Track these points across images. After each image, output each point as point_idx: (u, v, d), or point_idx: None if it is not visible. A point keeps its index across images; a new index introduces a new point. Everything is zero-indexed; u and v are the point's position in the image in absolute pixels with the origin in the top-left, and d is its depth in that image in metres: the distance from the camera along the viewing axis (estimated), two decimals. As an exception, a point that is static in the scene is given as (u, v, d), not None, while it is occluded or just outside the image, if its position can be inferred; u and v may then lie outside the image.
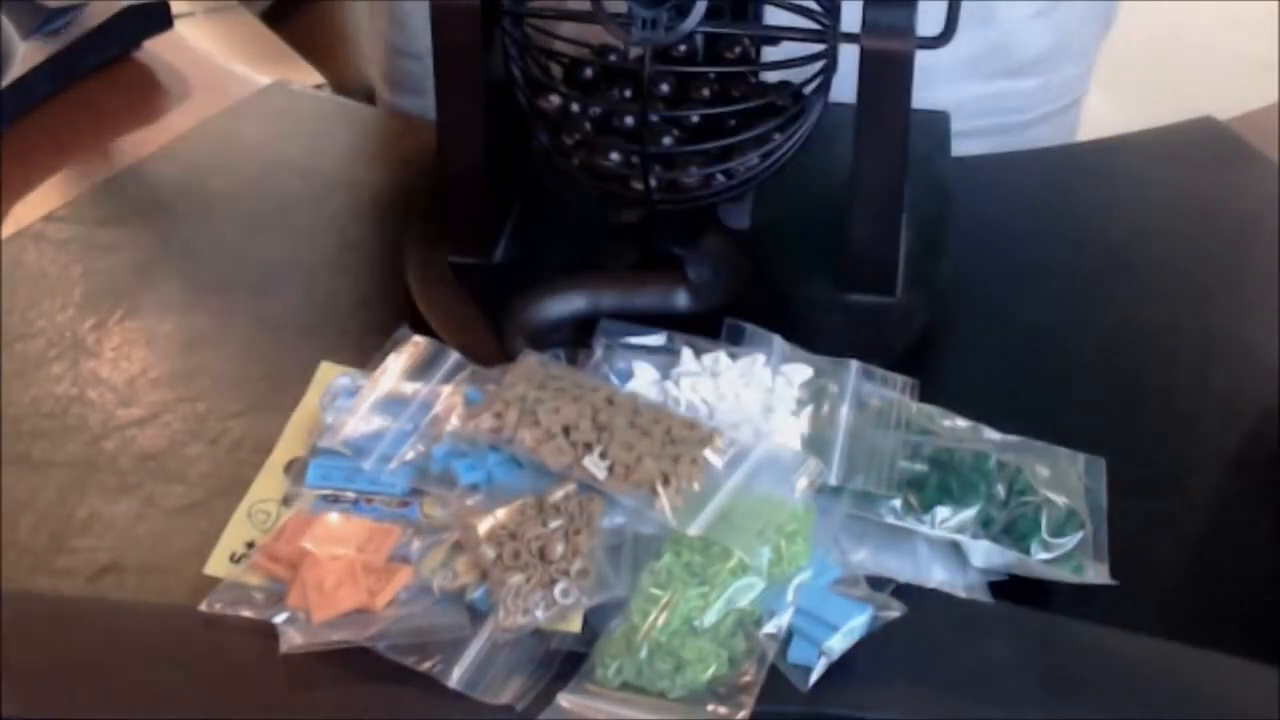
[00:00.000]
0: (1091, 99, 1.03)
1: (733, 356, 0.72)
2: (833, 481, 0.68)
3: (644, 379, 0.71)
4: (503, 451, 0.68)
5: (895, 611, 0.64)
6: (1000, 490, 0.68)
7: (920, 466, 0.69)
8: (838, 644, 0.63)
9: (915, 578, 0.67)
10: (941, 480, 0.69)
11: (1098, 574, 0.68)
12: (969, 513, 0.68)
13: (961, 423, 0.72)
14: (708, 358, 0.72)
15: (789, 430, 0.69)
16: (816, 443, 0.69)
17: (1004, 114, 0.97)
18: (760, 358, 0.72)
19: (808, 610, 0.64)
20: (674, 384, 0.71)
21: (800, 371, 0.72)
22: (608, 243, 0.81)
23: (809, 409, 0.71)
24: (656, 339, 0.73)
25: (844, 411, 0.70)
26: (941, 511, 0.68)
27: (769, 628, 0.64)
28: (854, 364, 0.72)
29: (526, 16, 0.76)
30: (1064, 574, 0.67)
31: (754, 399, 0.70)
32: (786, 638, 0.64)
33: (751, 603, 0.64)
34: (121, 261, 0.85)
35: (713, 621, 0.63)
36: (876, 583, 0.66)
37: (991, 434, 0.71)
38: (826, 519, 0.67)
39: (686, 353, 0.72)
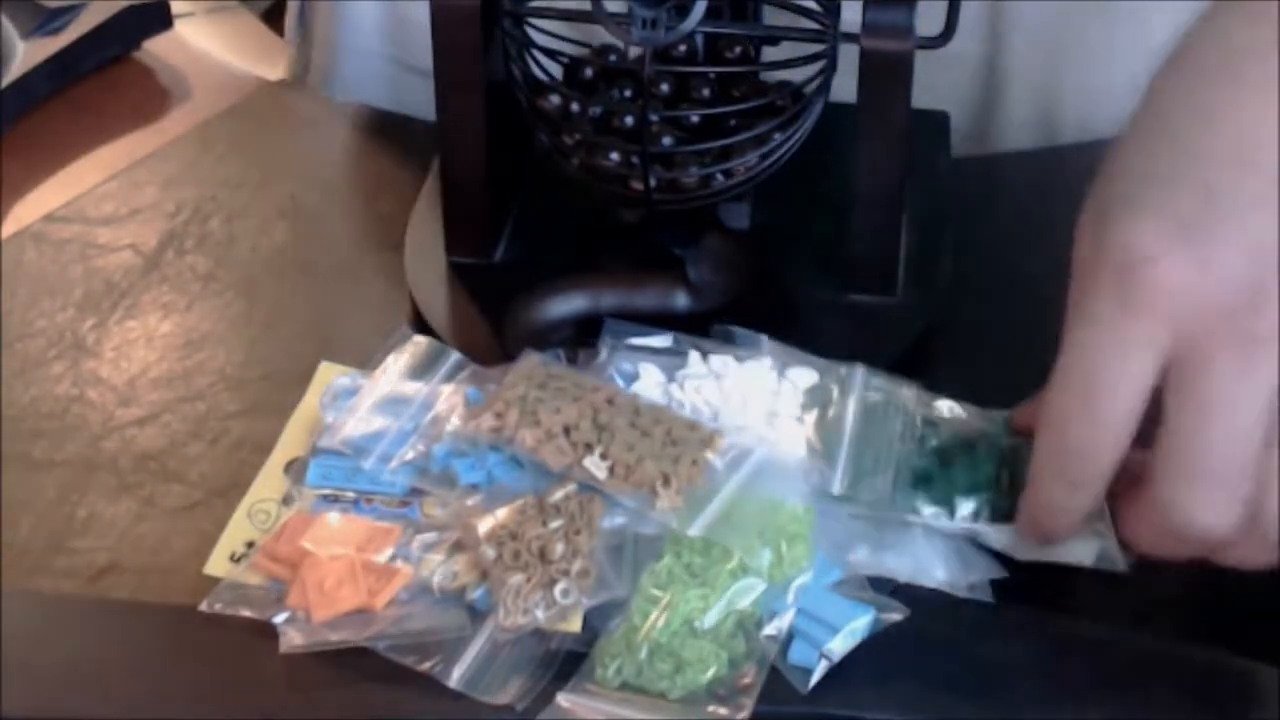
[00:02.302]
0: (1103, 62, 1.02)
1: (739, 360, 0.72)
2: (835, 491, 0.67)
3: (649, 381, 0.71)
4: (503, 451, 0.68)
5: (897, 614, 0.64)
6: (1006, 478, 0.68)
7: (927, 462, 0.69)
8: (838, 646, 0.63)
9: (915, 578, 0.67)
10: (950, 475, 0.68)
11: (1116, 554, 0.67)
12: (981, 501, 0.67)
13: (967, 410, 0.71)
14: (715, 360, 0.72)
15: (793, 437, 0.69)
16: (820, 450, 0.69)
17: None
18: (767, 361, 0.72)
19: (809, 611, 0.64)
20: (679, 386, 0.71)
21: (806, 376, 0.72)
22: (608, 243, 0.81)
23: (814, 414, 0.70)
24: (663, 340, 0.73)
25: (849, 418, 0.70)
26: (960, 504, 0.67)
27: (769, 630, 0.64)
28: (860, 369, 0.72)
29: (526, 16, 0.76)
30: (1083, 555, 0.67)
31: (759, 404, 0.70)
32: (787, 639, 0.64)
33: (752, 604, 0.64)
34: (121, 261, 0.85)
35: (713, 623, 0.63)
36: (876, 583, 0.66)
37: (998, 413, 0.71)
38: (829, 522, 0.67)
39: (693, 355, 0.72)
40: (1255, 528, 0.61)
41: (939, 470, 0.69)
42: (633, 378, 0.71)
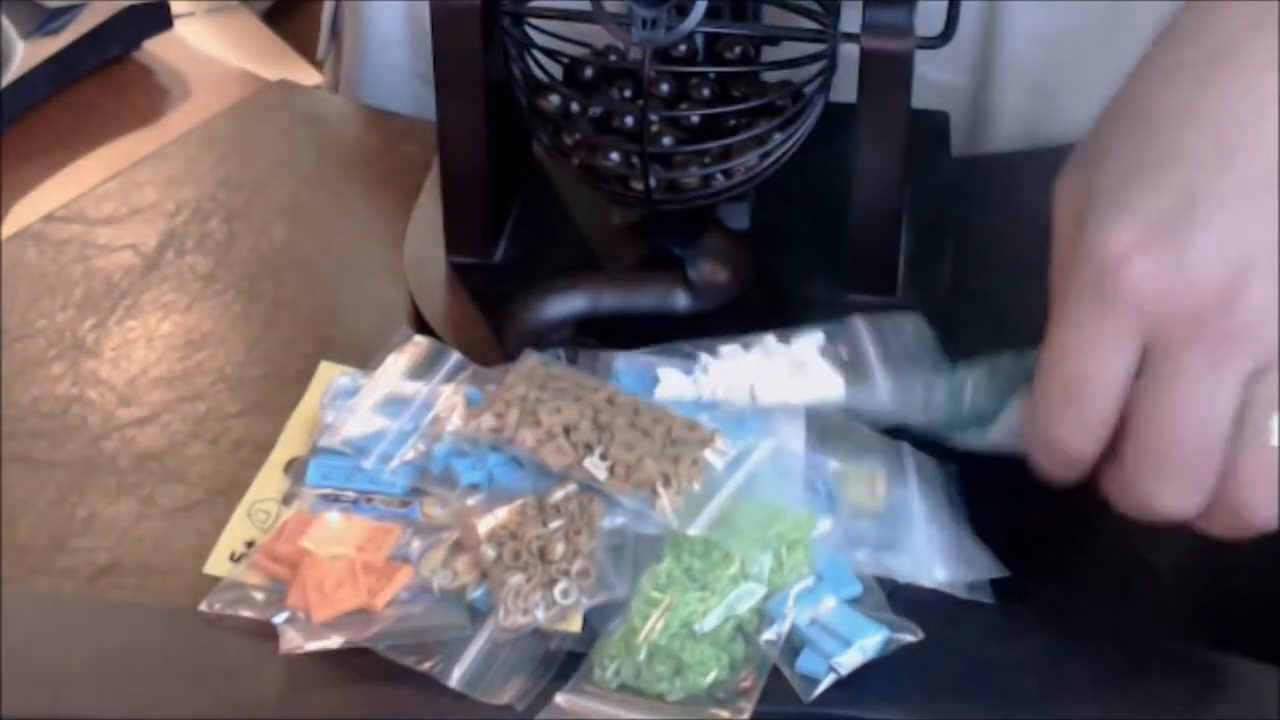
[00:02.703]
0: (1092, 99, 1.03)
1: (746, 347, 0.72)
2: (884, 402, 0.68)
3: (670, 383, 0.71)
4: (503, 451, 0.68)
5: (910, 635, 0.64)
6: None
7: (964, 372, 0.70)
8: (848, 660, 0.63)
9: (915, 578, 0.67)
10: (998, 368, 0.69)
11: None
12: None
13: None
14: (725, 349, 0.72)
15: (828, 376, 0.70)
16: (855, 380, 0.70)
17: None
18: (770, 337, 0.72)
19: (823, 623, 0.64)
20: (703, 372, 0.71)
21: (813, 338, 0.71)
22: (608, 243, 0.81)
23: (833, 359, 0.71)
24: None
25: (871, 349, 0.71)
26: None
27: (769, 635, 0.63)
28: (859, 318, 0.72)
29: (526, 16, 0.76)
30: None
31: (783, 365, 0.70)
32: (798, 646, 0.63)
33: (752, 609, 0.64)
34: (121, 261, 0.85)
35: (713, 626, 0.63)
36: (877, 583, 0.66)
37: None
38: (841, 535, 0.67)
39: (705, 356, 0.72)
40: (1219, 513, 0.63)
41: (983, 370, 0.69)
42: (654, 382, 0.71)
